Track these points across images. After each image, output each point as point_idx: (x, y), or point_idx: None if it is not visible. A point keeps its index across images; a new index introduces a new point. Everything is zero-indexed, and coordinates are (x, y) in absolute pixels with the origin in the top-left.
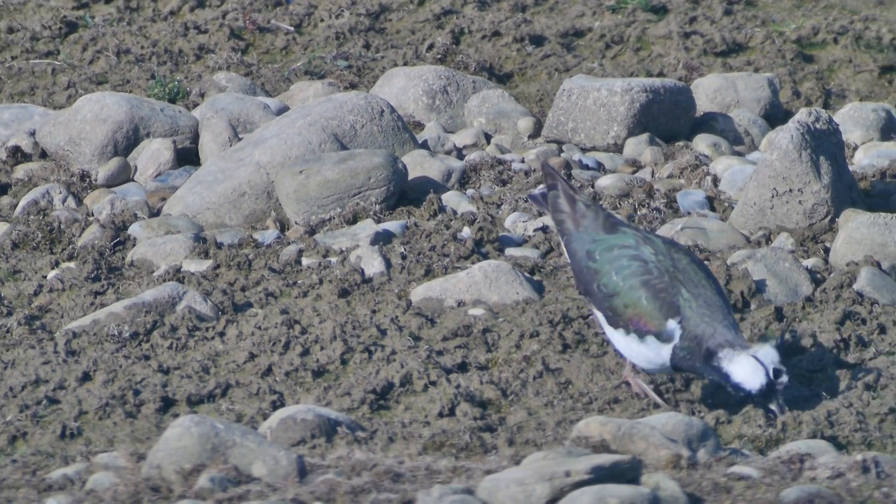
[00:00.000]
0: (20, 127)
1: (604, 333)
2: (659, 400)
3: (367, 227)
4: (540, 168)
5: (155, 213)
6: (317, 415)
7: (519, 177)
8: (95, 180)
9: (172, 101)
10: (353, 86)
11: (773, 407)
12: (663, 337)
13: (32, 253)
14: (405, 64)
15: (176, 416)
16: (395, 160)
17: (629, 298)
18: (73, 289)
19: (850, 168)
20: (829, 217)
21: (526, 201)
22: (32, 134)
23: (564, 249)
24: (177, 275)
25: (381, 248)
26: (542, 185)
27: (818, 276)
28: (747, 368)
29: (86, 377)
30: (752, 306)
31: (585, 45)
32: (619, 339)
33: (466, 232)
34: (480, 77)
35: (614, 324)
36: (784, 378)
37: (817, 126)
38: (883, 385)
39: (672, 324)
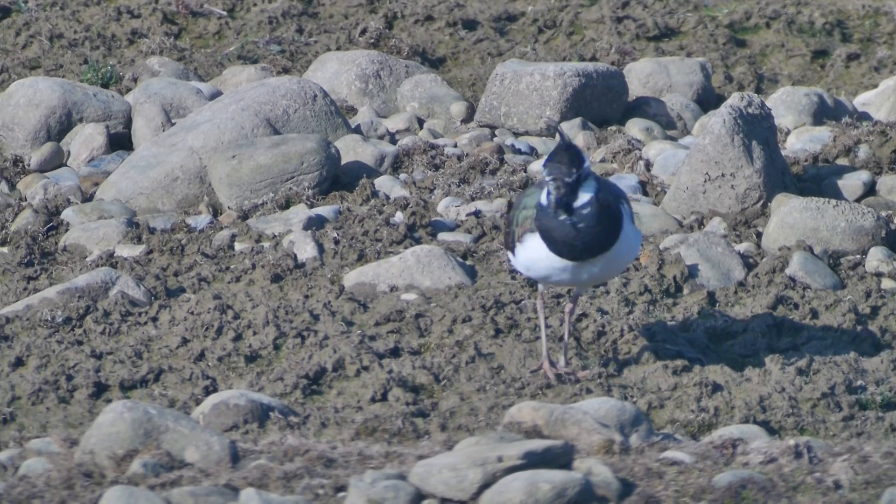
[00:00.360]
0: None
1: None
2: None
3: (299, 212)
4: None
5: (88, 198)
6: (249, 400)
7: (452, 161)
8: (28, 165)
9: (106, 86)
10: (286, 70)
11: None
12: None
13: None
14: (338, 48)
15: (109, 401)
16: (328, 145)
17: (517, 216)
18: (5, 274)
19: (783, 153)
20: (762, 202)
21: (458, 185)
22: None
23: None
24: (110, 260)
25: (314, 233)
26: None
27: (751, 260)
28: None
29: (18, 362)
30: (685, 291)
31: (518, 29)
32: (516, 256)
33: (399, 217)
34: (413, 62)
35: (511, 247)
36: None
37: (750, 111)
38: (815, 370)
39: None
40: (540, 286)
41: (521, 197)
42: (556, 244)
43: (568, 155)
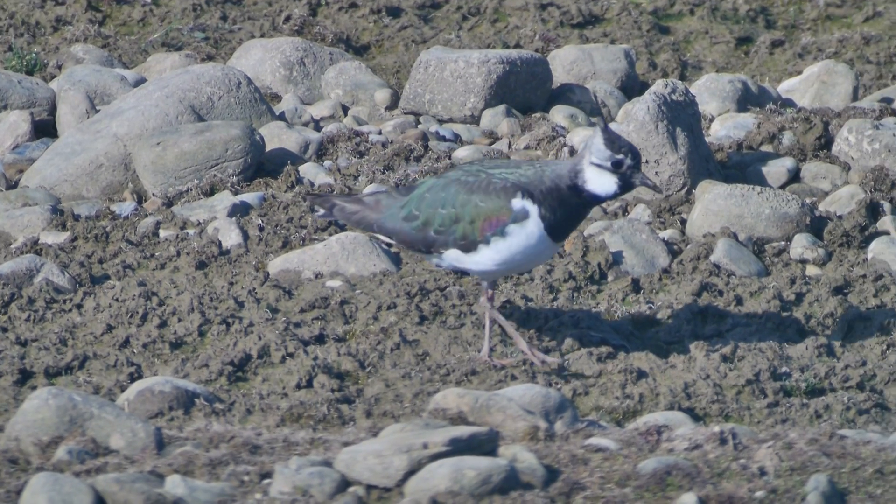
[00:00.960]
0: None
1: (468, 277)
2: (514, 333)
3: (224, 199)
4: (309, 202)
5: (12, 185)
6: (174, 387)
7: (376, 148)
8: None
9: (30, 73)
10: (210, 58)
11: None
12: (519, 216)
13: None
14: (262, 36)
15: (34, 388)
16: (253, 132)
17: (467, 212)
18: None
19: (707, 139)
20: (686, 188)
21: (383, 173)
22: None
23: (384, 237)
24: (34, 247)
25: (239, 219)
26: (320, 212)
27: (675, 247)
28: (596, 176)
29: None
30: (610, 278)
31: (443, 16)
32: (485, 257)
33: None
34: (338, 49)
35: (472, 247)
36: (629, 160)
37: (674, 97)
38: (740, 357)
39: (517, 201)
40: (488, 286)
41: (426, 199)
42: (561, 226)
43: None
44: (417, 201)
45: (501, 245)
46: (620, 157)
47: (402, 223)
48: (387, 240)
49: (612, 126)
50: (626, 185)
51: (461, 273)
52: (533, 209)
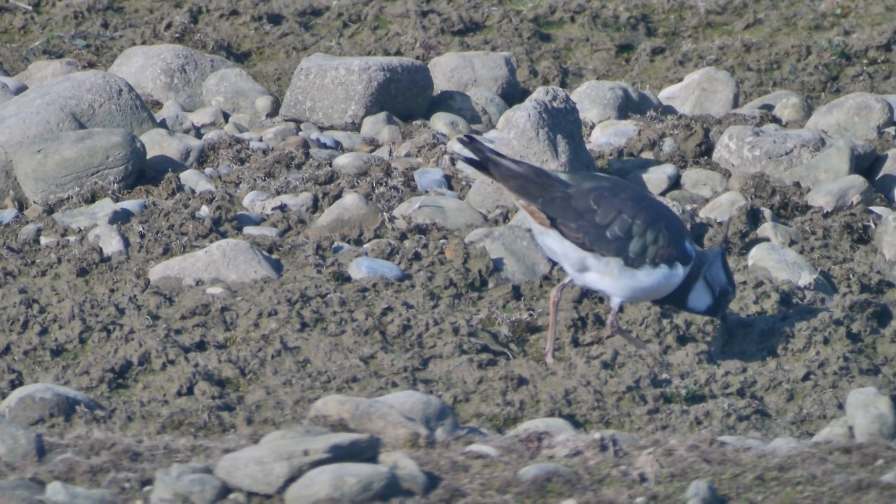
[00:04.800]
0: None
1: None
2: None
3: (105, 206)
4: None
5: None
6: (55, 394)
7: (257, 155)
8: None
9: None
10: (91, 65)
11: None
12: (685, 260)
13: None
14: (143, 43)
15: None
16: (134, 139)
17: (657, 231)
18: None
19: (588, 146)
20: None
21: (264, 180)
22: None
23: (537, 214)
24: None
25: (120, 227)
26: (467, 155)
27: None
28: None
29: None
30: (490, 285)
31: (323, 23)
32: (641, 280)
33: (205, 211)
34: (219, 56)
35: (637, 264)
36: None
37: (555, 105)
38: (620, 363)
39: (688, 245)
40: (619, 307)
41: (611, 203)
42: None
43: None
44: (597, 198)
45: (660, 274)
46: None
47: (575, 212)
48: (535, 218)
49: (493, 133)
50: (715, 307)
51: (589, 290)
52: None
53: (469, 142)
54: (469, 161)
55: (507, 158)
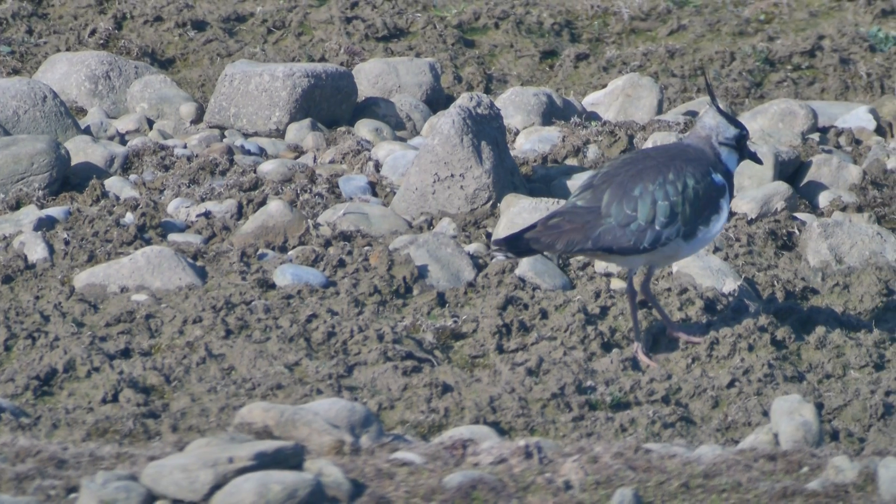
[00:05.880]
0: None
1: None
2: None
3: (30, 213)
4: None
5: None
6: None
7: (182, 162)
8: None
9: None
10: (15, 72)
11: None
12: (722, 191)
13: None
14: (68, 49)
15: None
16: (58, 146)
17: (687, 197)
18: None
19: (512, 153)
20: (491, 202)
21: (188, 186)
22: None
23: (598, 252)
24: None
25: (45, 233)
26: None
27: (480, 261)
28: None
29: None
30: (415, 292)
31: (248, 30)
32: (702, 240)
33: (129, 218)
34: (143, 62)
35: (692, 234)
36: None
37: (479, 111)
38: (545, 370)
39: (717, 176)
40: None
41: (634, 200)
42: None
43: None
44: (619, 201)
45: (716, 223)
46: (745, 131)
47: (619, 230)
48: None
49: (417, 140)
50: (741, 159)
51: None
52: (722, 181)
53: (504, 246)
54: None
55: (543, 225)
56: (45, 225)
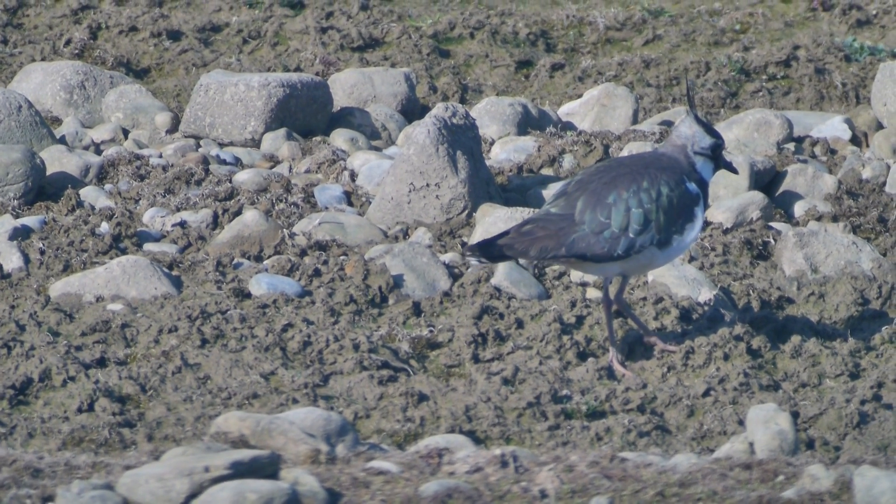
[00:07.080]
0: None
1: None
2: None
3: (5, 223)
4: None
5: None
6: None
7: (157, 172)
8: None
9: None
10: None
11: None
12: (696, 199)
13: None
14: (43, 59)
15: None
16: (34, 155)
17: (661, 205)
18: None
19: (488, 162)
20: (467, 212)
21: (164, 196)
22: None
23: (570, 260)
24: None
25: (20, 243)
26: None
27: (456, 270)
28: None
29: None
30: (391, 301)
31: (223, 40)
32: (676, 249)
33: (105, 227)
34: (118, 72)
35: (666, 243)
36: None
37: (454, 121)
38: (521, 379)
39: (691, 185)
40: (625, 283)
41: (608, 207)
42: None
43: None
44: (593, 209)
45: (689, 231)
46: (721, 141)
47: (593, 237)
48: (567, 264)
49: (392, 149)
50: (717, 169)
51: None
52: (697, 190)
53: (477, 251)
54: (489, 259)
55: (515, 232)
56: (20, 234)
